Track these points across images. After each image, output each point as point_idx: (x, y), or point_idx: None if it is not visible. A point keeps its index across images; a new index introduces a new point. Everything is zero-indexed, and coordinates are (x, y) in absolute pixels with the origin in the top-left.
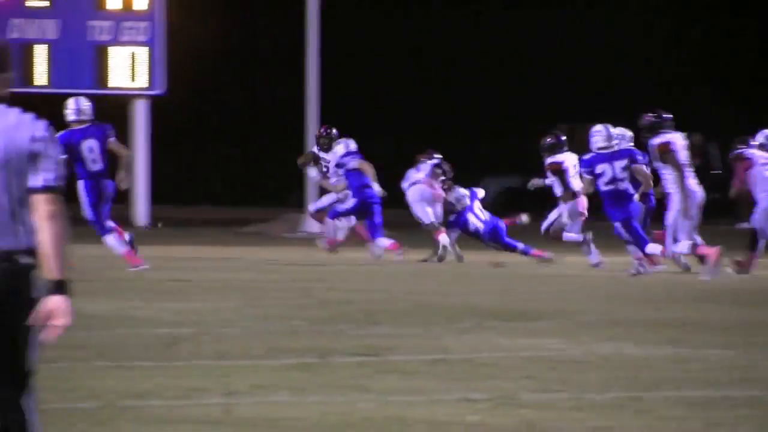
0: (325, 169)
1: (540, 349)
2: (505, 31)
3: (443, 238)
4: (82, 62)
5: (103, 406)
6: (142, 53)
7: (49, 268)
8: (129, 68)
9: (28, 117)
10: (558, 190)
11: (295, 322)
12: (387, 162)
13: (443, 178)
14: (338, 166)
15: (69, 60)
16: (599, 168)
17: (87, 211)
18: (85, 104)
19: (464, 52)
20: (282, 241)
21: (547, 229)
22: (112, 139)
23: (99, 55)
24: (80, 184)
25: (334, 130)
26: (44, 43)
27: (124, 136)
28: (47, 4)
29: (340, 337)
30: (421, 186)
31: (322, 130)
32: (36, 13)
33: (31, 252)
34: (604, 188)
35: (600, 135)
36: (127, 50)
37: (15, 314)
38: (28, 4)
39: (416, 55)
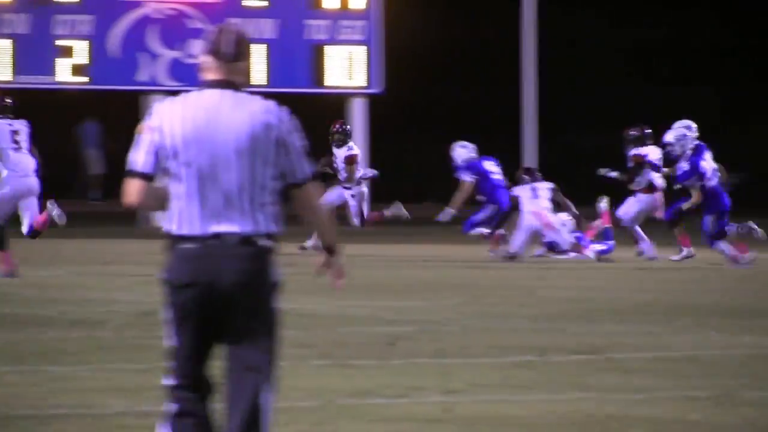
0: (336, 166)
1: (762, 346)
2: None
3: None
4: (299, 61)
5: (323, 405)
6: (360, 52)
7: (323, 236)
8: (346, 67)
9: (272, 104)
10: (637, 183)
11: (515, 320)
12: (597, 157)
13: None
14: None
15: (286, 59)
16: (703, 166)
17: None
18: None
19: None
20: (503, 239)
21: (621, 219)
22: None
23: (316, 54)
24: None
25: (348, 127)
26: (262, 43)
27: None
28: (265, 3)
29: (560, 334)
30: (534, 217)
31: (337, 126)
32: (253, 12)
33: (270, 237)
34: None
35: (691, 132)
36: (345, 49)
37: (257, 296)
38: (245, 4)
39: (636, 53)
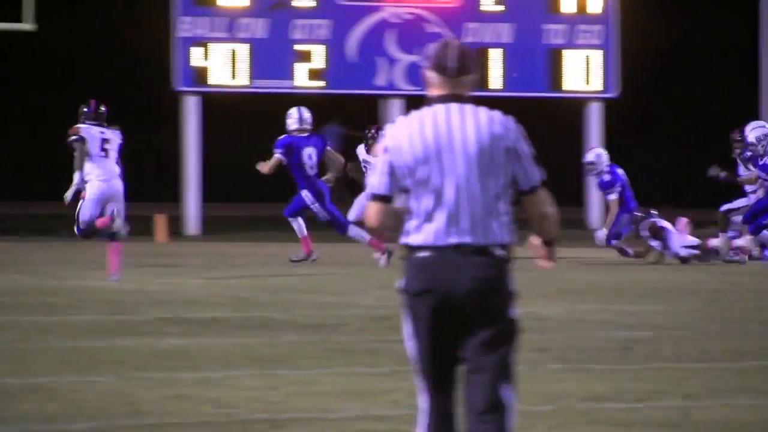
0: (365, 170)
1: None
2: None
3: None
4: (535, 66)
5: (560, 409)
6: (597, 56)
7: (546, 231)
8: (583, 71)
9: (498, 114)
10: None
11: (752, 325)
12: None
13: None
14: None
15: (523, 64)
16: None
17: (320, 214)
18: (307, 114)
19: None
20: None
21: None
22: (329, 148)
23: (553, 58)
24: (303, 193)
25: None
26: (499, 47)
27: (578, 138)
28: (502, 8)
29: None
30: (681, 224)
31: (372, 130)
32: (490, 17)
33: (505, 246)
34: None
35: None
36: (582, 53)
37: (493, 305)
38: (482, 8)
39: None
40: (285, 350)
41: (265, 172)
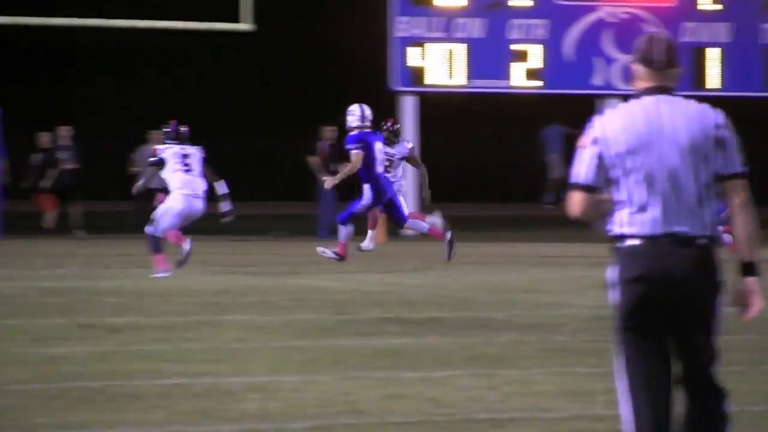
0: (386, 164)
1: None
2: None
3: None
4: (753, 65)
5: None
6: None
7: (742, 250)
8: None
9: (706, 105)
10: None
11: None
12: None
13: None
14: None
15: (740, 63)
16: None
17: (360, 208)
18: (368, 111)
19: None
20: None
21: None
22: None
23: None
24: (365, 188)
25: (399, 126)
26: (716, 46)
27: None
28: (720, 7)
29: None
30: None
31: (388, 124)
32: (708, 16)
33: (716, 236)
34: None
35: None
36: None
37: (701, 297)
38: (700, 8)
39: None
40: (503, 350)
41: (345, 175)
